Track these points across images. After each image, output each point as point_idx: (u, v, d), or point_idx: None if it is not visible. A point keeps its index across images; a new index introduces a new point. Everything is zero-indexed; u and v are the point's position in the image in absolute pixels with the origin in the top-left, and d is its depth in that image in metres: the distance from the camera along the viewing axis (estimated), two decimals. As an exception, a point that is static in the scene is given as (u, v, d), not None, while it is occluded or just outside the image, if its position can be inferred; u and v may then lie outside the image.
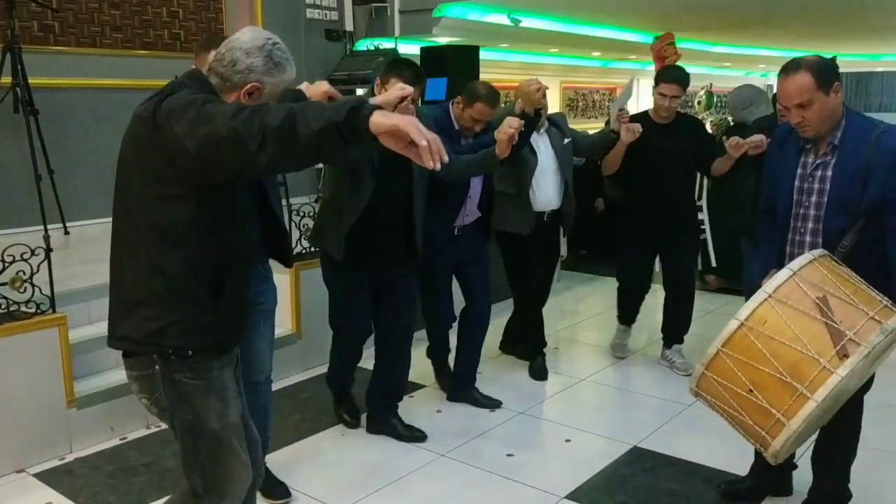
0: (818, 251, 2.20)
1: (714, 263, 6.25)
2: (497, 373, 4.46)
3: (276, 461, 3.34)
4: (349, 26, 6.77)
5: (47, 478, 3.17)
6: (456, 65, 6.25)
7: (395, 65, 3.28)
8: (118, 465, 3.31)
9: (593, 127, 8.90)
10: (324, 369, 4.11)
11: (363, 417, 3.73)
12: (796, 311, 2.02)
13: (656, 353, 4.68)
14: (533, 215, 4.11)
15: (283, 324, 4.33)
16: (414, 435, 3.59)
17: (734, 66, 13.08)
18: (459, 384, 4.07)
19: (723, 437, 3.40)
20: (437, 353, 4.21)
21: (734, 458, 3.28)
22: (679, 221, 4.36)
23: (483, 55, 6.75)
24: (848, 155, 2.32)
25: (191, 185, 1.77)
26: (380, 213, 3.20)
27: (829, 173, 2.35)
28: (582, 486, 3.16)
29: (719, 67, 12.66)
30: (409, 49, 6.73)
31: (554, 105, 11.67)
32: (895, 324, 2.03)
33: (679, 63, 7.01)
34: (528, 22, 7.26)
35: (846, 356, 1.93)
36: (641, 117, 4.28)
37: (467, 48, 6.60)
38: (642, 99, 10.96)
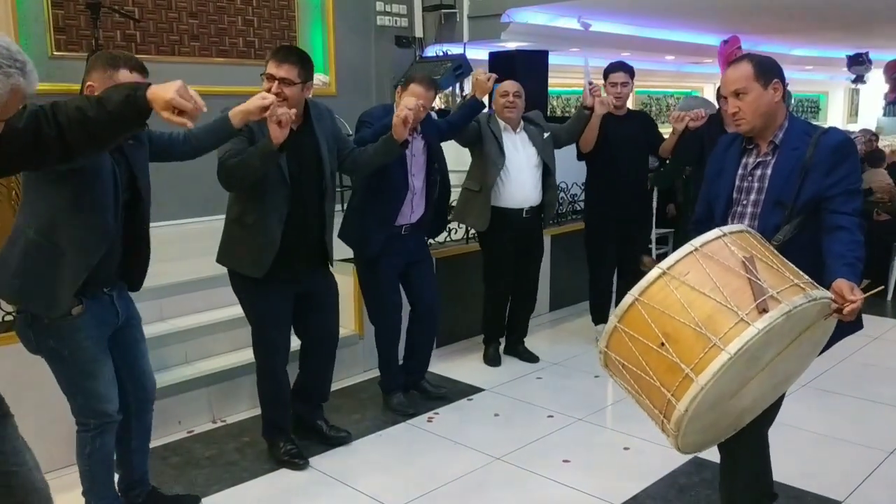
0: (746, 228, 2.15)
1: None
2: (553, 379, 4.43)
3: (335, 460, 3.41)
4: (419, 32, 6.85)
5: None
6: (524, 69, 6.27)
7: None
8: (184, 456, 3.44)
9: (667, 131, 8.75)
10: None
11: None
12: (721, 265, 1.92)
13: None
14: (489, 213, 4.26)
15: (346, 325, 4.39)
16: (339, 435, 3.53)
17: (817, 70, 12.64)
18: (410, 378, 4.08)
19: (786, 451, 3.32)
20: (387, 380, 3.98)
21: (795, 471, 3.21)
22: (636, 207, 4.76)
23: (552, 60, 6.74)
24: (788, 153, 2.33)
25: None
26: (294, 219, 3.07)
27: (769, 171, 2.36)
28: (638, 494, 3.12)
29: (800, 72, 12.27)
30: (478, 54, 6.77)
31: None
32: (821, 294, 1.94)
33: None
34: (597, 26, 7.20)
35: (765, 311, 1.81)
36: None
37: (536, 53, 6.61)
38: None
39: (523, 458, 3.44)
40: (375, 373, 4.38)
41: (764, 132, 2.37)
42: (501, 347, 4.71)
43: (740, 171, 2.43)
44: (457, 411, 3.97)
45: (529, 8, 6.52)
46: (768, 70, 2.33)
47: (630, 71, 4.63)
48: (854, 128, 11.36)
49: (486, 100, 4.08)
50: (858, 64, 9.52)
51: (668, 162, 5.00)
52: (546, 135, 4.40)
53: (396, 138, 3.23)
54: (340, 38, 6.38)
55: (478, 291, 4.66)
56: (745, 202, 2.40)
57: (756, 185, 2.39)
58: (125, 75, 2.35)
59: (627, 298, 1.95)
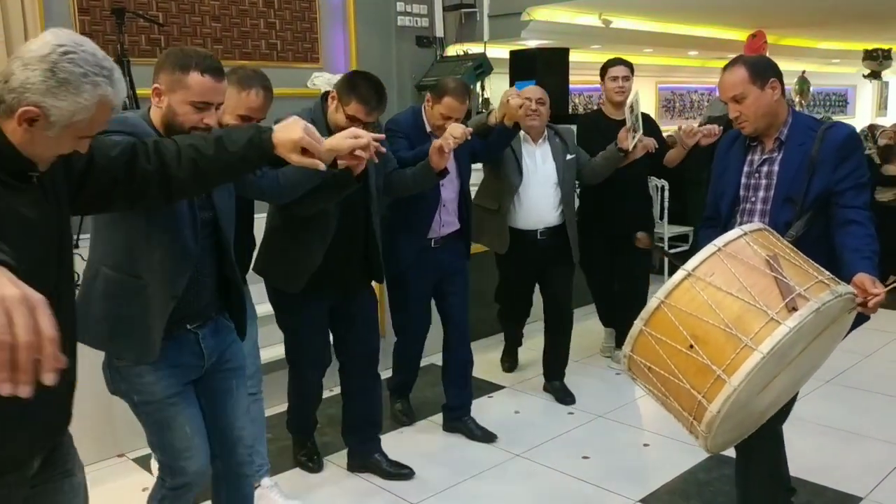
0: (764, 225, 2.13)
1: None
2: (573, 376, 4.44)
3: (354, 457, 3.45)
4: (439, 32, 6.87)
5: (145, 462, 3.38)
6: (545, 67, 6.26)
7: (354, 84, 2.77)
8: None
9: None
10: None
11: (326, 461, 3.45)
12: (746, 265, 1.90)
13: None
14: (508, 235, 3.82)
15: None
16: (400, 472, 3.27)
17: (844, 64, 12.46)
18: (450, 414, 3.74)
19: (807, 446, 3.32)
20: (396, 383, 3.84)
21: (816, 466, 3.20)
22: (635, 215, 4.25)
23: (573, 57, 6.72)
24: (794, 149, 2.32)
25: None
26: (338, 238, 2.90)
27: (776, 168, 2.35)
28: (657, 490, 3.13)
29: (826, 64, 12.10)
30: (498, 53, 6.77)
31: (649, 106, 11.45)
32: (845, 290, 1.93)
33: (779, 60, 6.82)
34: (619, 23, 7.18)
35: (795, 309, 1.80)
36: (594, 116, 4.39)
37: (557, 51, 6.59)
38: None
39: (543, 455, 3.46)
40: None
41: (768, 131, 2.37)
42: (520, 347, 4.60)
43: (746, 169, 2.43)
44: (478, 408, 3.97)
45: (549, 7, 6.51)
46: (763, 70, 2.33)
47: (630, 66, 4.27)
48: (883, 121, 11.19)
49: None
50: (872, 59, 9.37)
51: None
52: (570, 157, 3.89)
53: (434, 167, 3.02)
54: (362, 39, 6.41)
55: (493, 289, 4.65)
56: (753, 199, 2.40)
57: (764, 181, 2.39)
58: (196, 79, 1.99)
59: (653, 302, 1.95)
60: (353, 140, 2.05)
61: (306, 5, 6.16)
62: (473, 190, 3.87)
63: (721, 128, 3.73)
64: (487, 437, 3.63)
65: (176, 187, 1.79)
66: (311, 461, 3.36)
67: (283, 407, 3.46)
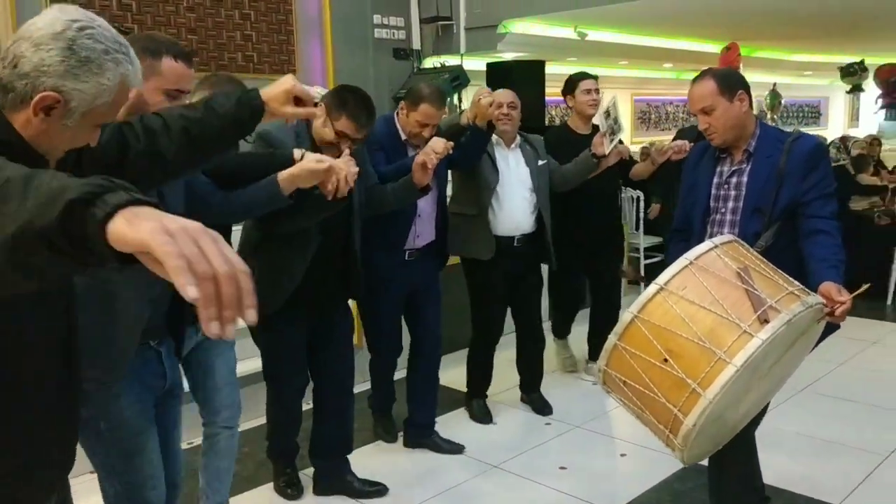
0: (734, 237, 2.16)
1: None
2: (550, 387, 4.44)
3: (332, 468, 3.43)
4: (416, 45, 6.89)
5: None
6: (521, 79, 6.28)
7: (344, 99, 2.70)
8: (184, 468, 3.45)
9: (667, 138, 8.78)
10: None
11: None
12: (717, 277, 1.92)
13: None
14: (493, 238, 3.70)
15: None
16: (374, 490, 3.22)
17: (817, 75, 12.65)
18: (417, 430, 3.68)
19: (782, 454, 3.34)
20: (378, 400, 3.79)
21: (791, 474, 3.23)
22: (604, 227, 4.32)
23: (550, 69, 6.76)
24: (763, 161, 2.36)
25: None
26: (319, 253, 2.81)
27: (745, 179, 2.39)
28: (634, 500, 3.14)
29: (799, 76, 12.28)
30: (475, 65, 6.80)
31: (625, 118, 11.55)
32: (815, 300, 1.96)
33: (753, 73, 6.93)
34: (594, 35, 7.24)
35: (767, 321, 1.82)
36: (559, 130, 4.32)
37: (533, 63, 6.64)
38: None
39: (520, 466, 3.45)
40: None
41: (737, 142, 2.40)
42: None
43: (716, 180, 2.46)
44: (454, 421, 3.98)
45: (525, 20, 6.56)
46: (732, 83, 2.36)
47: (596, 77, 4.25)
48: (856, 132, 11.36)
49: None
50: (851, 75, 9.56)
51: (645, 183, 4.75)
52: (542, 162, 3.86)
53: (416, 183, 2.98)
54: (338, 51, 6.42)
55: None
56: (723, 210, 2.43)
57: (733, 192, 2.42)
58: (169, 65, 1.88)
59: (627, 316, 1.96)
60: (315, 165, 2.26)
61: (283, 17, 6.16)
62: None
63: (691, 143, 3.76)
64: (455, 449, 3.61)
65: (172, 161, 1.64)
66: (291, 487, 3.25)
67: (260, 421, 3.43)
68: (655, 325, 1.92)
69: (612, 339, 1.99)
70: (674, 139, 3.98)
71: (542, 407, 4.10)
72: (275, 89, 1.70)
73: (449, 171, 3.76)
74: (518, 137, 3.86)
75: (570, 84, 4.21)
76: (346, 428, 3.22)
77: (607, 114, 3.79)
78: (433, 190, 3.34)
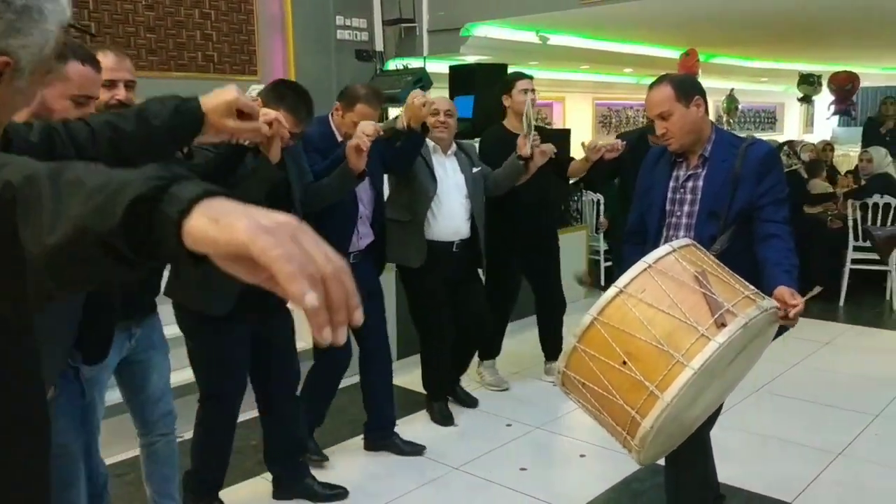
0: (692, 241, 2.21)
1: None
2: (512, 389, 4.47)
3: (292, 472, 3.41)
4: (379, 46, 6.89)
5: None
6: (484, 82, 6.31)
7: (282, 94, 2.68)
8: (140, 473, 3.41)
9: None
10: (347, 381, 4.16)
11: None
12: (676, 281, 1.96)
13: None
14: (425, 246, 3.72)
15: (306, 339, 4.39)
16: (334, 493, 3.19)
17: (772, 82, 12.93)
18: (376, 433, 3.66)
19: (737, 453, 3.40)
20: (312, 418, 3.52)
21: (746, 472, 3.29)
22: (543, 231, 4.40)
23: (512, 72, 6.81)
24: (718, 165, 2.42)
25: None
26: None
27: (701, 183, 2.44)
28: (593, 500, 3.17)
29: (756, 83, 12.53)
30: (438, 68, 6.82)
31: (587, 122, 11.66)
32: (769, 304, 2.01)
33: (711, 78, 7.06)
34: (556, 39, 7.30)
35: (724, 325, 1.87)
36: (497, 130, 4.27)
37: (495, 66, 6.67)
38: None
39: (481, 468, 3.47)
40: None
41: (693, 147, 2.45)
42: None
43: (672, 184, 2.50)
44: (416, 423, 3.99)
45: (488, 24, 6.60)
46: (688, 89, 2.41)
47: (531, 77, 4.26)
48: (810, 138, 11.61)
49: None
50: (809, 84, 9.81)
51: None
52: (476, 169, 3.91)
53: (353, 168, 2.96)
54: (300, 52, 6.40)
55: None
56: (679, 213, 2.47)
57: (689, 196, 2.46)
58: (76, 70, 1.82)
59: (586, 318, 1.98)
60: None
61: (244, 17, 6.11)
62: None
63: (625, 143, 3.88)
64: (416, 450, 3.61)
65: None
66: None
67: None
68: (614, 328, 1.94)
69: (571, 341, 2.01)
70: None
71: (466, 399, 4.21)
72: (215, 100, 1.55)
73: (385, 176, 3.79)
74: (454, 145, 3.90)
75: (507, 84, 4.21)
76: (299, 430, 3.18)
77: (526, 116, 3.84)
78: (370, 189, 3.38)
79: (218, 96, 1.56)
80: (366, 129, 2.98)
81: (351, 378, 3.70)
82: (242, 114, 1.58)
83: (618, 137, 4.14)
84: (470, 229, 3.87)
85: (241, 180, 2.47)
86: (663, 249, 2.04)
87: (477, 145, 4.26)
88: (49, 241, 0.76)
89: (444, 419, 3.99)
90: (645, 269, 1.99)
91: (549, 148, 3.89)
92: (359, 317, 0.75)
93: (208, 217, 0.73)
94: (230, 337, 2.81)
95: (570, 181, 5.47)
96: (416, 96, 3.33)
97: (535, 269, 4.45)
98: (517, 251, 4.30)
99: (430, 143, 3.78)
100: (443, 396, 4.08)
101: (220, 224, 0.72)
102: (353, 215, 3.31)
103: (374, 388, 3.62)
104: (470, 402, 4.22)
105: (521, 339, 5.31)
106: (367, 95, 3.23)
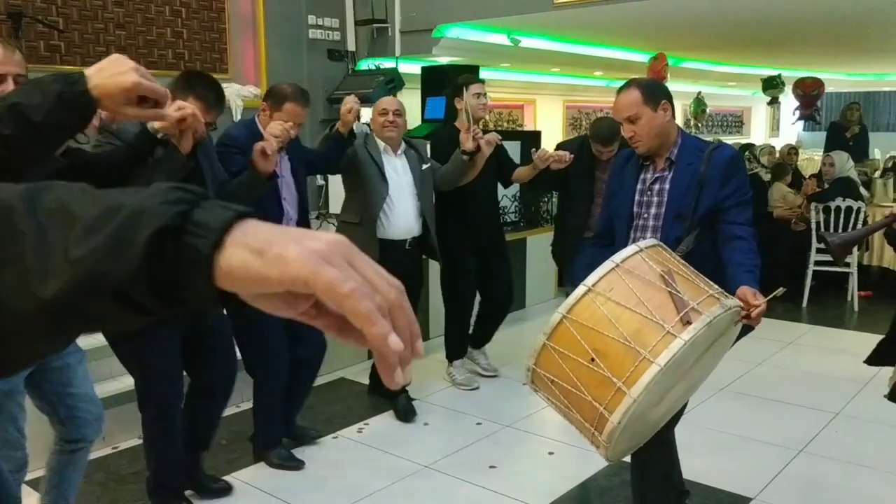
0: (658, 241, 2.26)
1: None
2: (482, 388, 4.51)
3: (265, 472, 3.41)
4: (351, 46, 6.90)
5: (38, 485, 3.25)
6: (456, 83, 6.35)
7: (191, 82, 2.69)
8: (108, 473, 3.39)
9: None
10: (318, 381, 4.17)
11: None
12: (642, 280, 2.01)
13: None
14: (377, 246, 3.74)
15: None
16: (219, 486, 3.17)
17: (740, 86, 13.13)
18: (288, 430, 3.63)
19: (701, 450, 3.47)
20: (265, 441, 3.46)
21: (709, 469, 3.36)
22: (492, 231, 4.48)
23: (484, 74, 6.84)
24: (684, 168, 2.48)
25: None
26: None
27: (667, 186, 2.50)
28: (560, 497, 3.21)
29: (723, 87, 12.72)
30: (410, 68, 6.84)
31: (557, 124, 11.75)
32: (733, 303, 2.07)
33: (679, 82, 7.16)
34: (527, 42, 7.36)
35: (689, 323, 1.92)
36: (448, 131, 4.30)
37: (467, 67, 6.70)
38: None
39: (451, 466, 3.50)
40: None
41: (660, 150, 2.50)
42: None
43: (639, 186, 2.55)
44: (387, 421, 4.01)
45: (460, 25, 6.63)
46: (656, 93, 2.46)
47: (483, 82, 4.33)
48: (776, 142, 11.82)
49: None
50: (773, 87, 10.01)
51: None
52: (425, 166, 3.99)
53: (261, 172, 2.90)
54: (272, 50, 6.38)
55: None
56: (646, 216, 2.52)
57: (656, 199, 2.51)
58: None
59: (556, 316, 2.01)
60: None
61: (215, 15, 6.08)
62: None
63: (571, 155, 3.96)
64: (296, 465, 3.49)
65: None
66: None
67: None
68: (583, 326, 1.98)
69: (541, 338, 2.04)
70: (555, 150, 4.12)
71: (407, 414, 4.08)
72: (110, 83, 1.27)
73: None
74: (403, 143, 3.96)
75: (458, 87, 4.22)
76: (212, 427, 3.12)
77: (466, 111, 3.92)
78: (294, 193, 3.37)
79: (114, 79, 1.27)
80: (273, 131, 2.97)
81: (324, 377, 3.71)
82: (146, 99, 1.32)
83: (558, 147, 4.19)
84: (421, 227, 3.96)
85: (147, 171, 2.41)
86: (630, 249, 2.08)
87: (428, 143, 4.32)
88: (44, 295, 0.58)
89: (407, 414, 4.03)
90: (613, 269, 2.02)
91: (494, 137, 3.99)
92: (420, 346, 0.63)
93: (248, 249, 0.59)
94: (161, 337, 2.73)
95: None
96: (345, 103, 3.40)
97: (488, 271, 4.49)
98: (473, 253, 4.37)
99: (380, 143, 3.86)
100: (402, 391, 4.01)
101: (267, 257, 0.58)
102: (279, 218, 3.25)
103: (296, 397, 3.60)
104: (410, 417, 4.07)
105: (493, 338, 5.35)
106: (295, 94, 3.20)
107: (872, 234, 4.05)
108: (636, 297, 1.98)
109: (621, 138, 3.98)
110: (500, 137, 4.04)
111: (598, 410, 1.95)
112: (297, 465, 3.46)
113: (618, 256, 2.05)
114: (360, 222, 3.77)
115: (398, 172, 3.88)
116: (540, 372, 2.08)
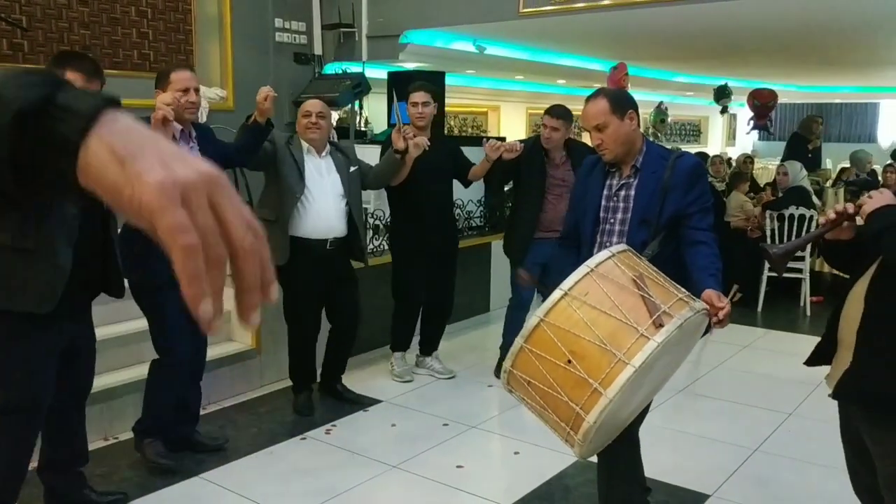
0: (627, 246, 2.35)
1: None
2: (448, 389, 4.57)
3: (233, 471, 3.43)
4: (318, 50, 6.91)
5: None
6: (422, 89, 6.41)
7: (63, 59, 2.74)
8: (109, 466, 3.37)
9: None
10: (283, 384, 4.22)
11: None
12: (616, 284, 2.09)
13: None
14: (288, 245, 3.82)
15: (242, 339, 4.41)
16: (115, 499, 3.09)
17: (696, 96, 13.42)
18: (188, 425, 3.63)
19: (662, 449, 3.57)
20: (146, 428, 3.42)
21: (670, 467, 3.46)
22: (446, 236, 4.61)
23: (450, 80, 6.94)
24: (649, 175, 2.58)
25: None
26: (80, 246, 2.60)
27: (633, 192, 2.60)
28: (526, 496, 3.28)
29: (681, 96, 13.00)
30: (377, 73, 6.89)
31: (521, 131, 11.89)
32: (701, 306, 2.17)
33: (639, 91, 7.32)
34: (492, 50, 7.46)
35: (661, 325, 2.00)
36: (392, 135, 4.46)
37: (433, 73, 6.78)
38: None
39: (419, 466, 3.55)
40: (273, 387, 4.43)
41: (626, 158, 2.59)
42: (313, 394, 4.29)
43: (605, 192, 2.64)
44: (354, 423, 4.05)
45: (426, 32, 6.70)
46: (622, 103, 2.55)
47: (432, 91, 4.47)
48: (731, 151, 12.13)
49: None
50: (724, 96, 10.31)
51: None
52: (353, 168, 4.07)
53: None
54: (238, 52, 6.36)
55: (375, 304, 4.74)
56: (612, 220, 2.61)
57: (622, 205, 2.60)
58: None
59: (533, 320, 2.08)
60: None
61: (181, 16, 6.06)
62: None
63: (522, 145, 4.23)
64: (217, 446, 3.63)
65: None
66: None
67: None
68: (560, 329, 2.05)
69: (518, 341, 2.12)
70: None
71: (351, 397, 4.29)
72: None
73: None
74: (328, 146, 4.04)
75: (408, 95, 4.43)
76: (83, 441, 3.04)
77: (396, 113, 4.12)
78: None
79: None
80: (164, 99, 3.02)
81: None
82: None
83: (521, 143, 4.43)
84: (347, 227, 4.01)
85: None
86: (603, 255, 2.16)
87: (354, 145, 4.45)
88: None
89: (304, 409, 4.11)
90: (587, 273, 2.10)
91: (422, 140, 4.13)
92: (274, 294, 0.62)
93: (111, 152, 0.55)
94: (44, 340, 2.64)
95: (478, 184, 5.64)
96: (260, 92, 3.44)
97: (433, 275, 4.58)
98: (424, 256, 4.48)
99: (304, 144, 3.95)
100: (307, 387, 4.19)
101: (126, 170, 0.55)
102: None
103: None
104: (356, 399, 4.29)
105: (458, 342, 5.43)
106: (178, 64, 3.27)
107: (809, 243, 4.21)
108: (610, 300, 2.06)
109: (567, 126, 4.32)
110: (427, 143, 4.17)
111: (574, 410, 2.02)
112: (169, 465, 3.38)
113: (592, 261, 2.13)
114: (276, 220, 3.83)
115: (321, 173, 3.96)
116: (517, 373, 2.15)
